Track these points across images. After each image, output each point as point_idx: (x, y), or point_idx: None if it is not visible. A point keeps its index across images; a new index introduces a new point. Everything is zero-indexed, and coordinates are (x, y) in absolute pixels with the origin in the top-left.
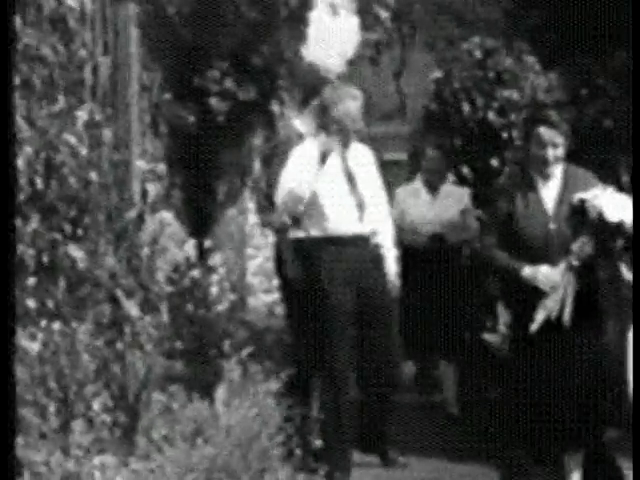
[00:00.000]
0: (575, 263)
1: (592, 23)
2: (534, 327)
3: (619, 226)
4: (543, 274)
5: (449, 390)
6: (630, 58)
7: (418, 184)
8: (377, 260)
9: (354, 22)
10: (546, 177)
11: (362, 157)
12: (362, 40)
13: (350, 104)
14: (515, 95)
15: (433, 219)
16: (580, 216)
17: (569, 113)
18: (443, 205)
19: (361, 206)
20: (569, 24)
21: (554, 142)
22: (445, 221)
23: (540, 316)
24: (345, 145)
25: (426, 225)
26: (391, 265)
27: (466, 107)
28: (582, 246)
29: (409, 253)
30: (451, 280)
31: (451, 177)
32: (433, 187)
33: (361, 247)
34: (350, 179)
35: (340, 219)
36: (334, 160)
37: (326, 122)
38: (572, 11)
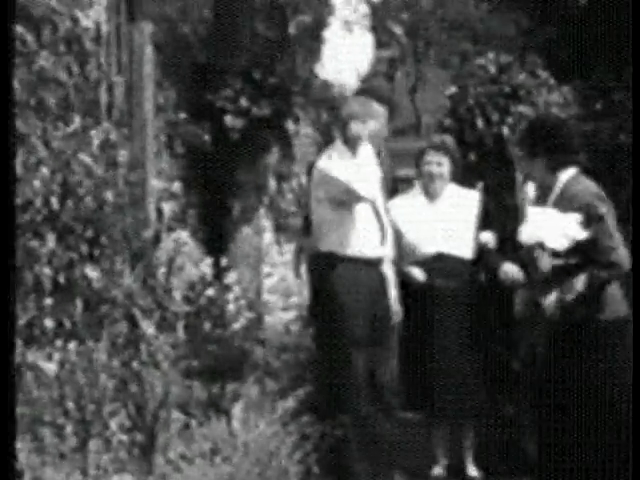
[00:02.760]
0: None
1: (605, 38)
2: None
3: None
4: (504, 270)
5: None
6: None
7: (417, 191)
8: (384, 284)
9: (368, 39)
10: None
11: (376, 174)
12: (376, 57)
13: (372, 121)
14: (529, 110)
15: (434, 232)
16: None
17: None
18: (447, 212)
19: (383, 228)
20: (582, 39)
21: None
22: (451, 235)
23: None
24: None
25: (426, 242)
26: (392, 290)
27: (481, 123)
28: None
29: (410, 288)
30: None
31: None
32: (433, 195)
33: (375, 269)
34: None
35: (364, 241)
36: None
37: (348, 137)
38: (585, 26)
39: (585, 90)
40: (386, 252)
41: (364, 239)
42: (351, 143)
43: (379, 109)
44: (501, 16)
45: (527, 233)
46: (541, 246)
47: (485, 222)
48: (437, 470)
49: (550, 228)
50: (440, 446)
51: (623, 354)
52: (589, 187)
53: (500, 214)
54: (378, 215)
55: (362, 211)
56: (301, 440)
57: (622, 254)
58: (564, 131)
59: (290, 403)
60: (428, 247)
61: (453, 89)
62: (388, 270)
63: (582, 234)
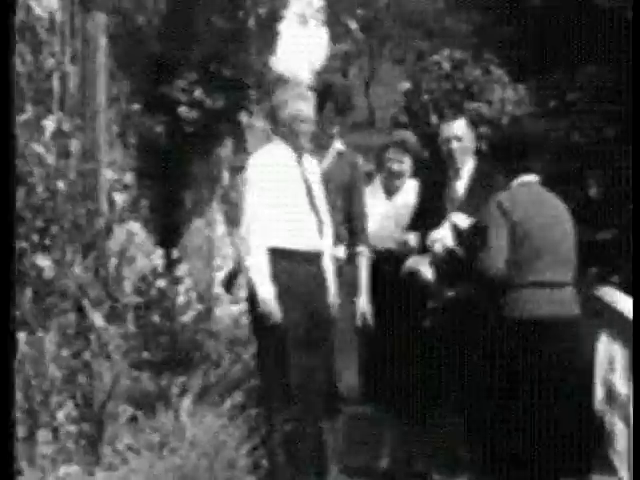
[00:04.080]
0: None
1: (562, 38)
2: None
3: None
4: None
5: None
6: (600, 72)
7: (376, 185)
8: (323, 278)
9: (323, 33)
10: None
11: (314, 168)
12: (331, 51)
13: (300, 104)
14: (484, 108)
15: (389, 228)
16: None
17: (540, 126)
18: (402, 208)
19: (320, 220)
20: (538, 38)
21: None
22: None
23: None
24: (299, 151)
25: (380, 238)
26: (332, 285)
27: (434, 119)
28: None
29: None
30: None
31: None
32: (391, 191)
33: (315, 264)
34: (309, 191)
35: (301, 233)
36: (292, 169)
37: (277, 124)
38: (541, 26)
39: (539, 89)
40: (325, 246)
41: (301, 232)
42: (287, 130)
43: (307, 92)
44: (456, 14)
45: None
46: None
47: (418, 220)
48: (382, 463)
49: (435, 234)
50: (387, 440)
51: (548, 350)
52: (500, 197)
53: (430, 211)
54: (315, 207)
55: (298, 204)
56: (249, 433)
57: (487, 264)
58: (519, 139)
59: (238, 396)
60: (381, 242)
61: (407, 85)
62: (328, 264)
63: (451, 242)
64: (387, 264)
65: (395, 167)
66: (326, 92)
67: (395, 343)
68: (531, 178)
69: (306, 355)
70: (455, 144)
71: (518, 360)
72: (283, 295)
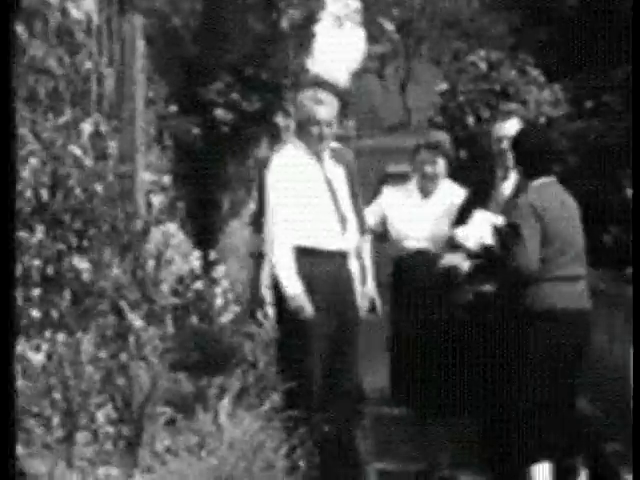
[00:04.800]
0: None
1: (597, 38)
2: None
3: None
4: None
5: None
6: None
7: (412, 186)
8: (349, 277)
9: (359, 34)
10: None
11: (336, 168)
12: (367, 52)
13: (320, 109)
14: (520, 108)
15: (422, 229)
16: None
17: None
18: (438, 209)
19: (343, 220)
20: (574, 39)
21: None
22: (435, 233)
23: None
24: (319, 154)
25: (412, 238)
26: (358, 284)
27: (471, 120)
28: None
29: (398, 273)
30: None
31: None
32: (427, 192)
33: (340, 263)
34: (331, 190)
35: (326, 233)
36: (314, 169)
37: (299, 127)
38: (577, 27)
39: (575, 89)
40: (349, 245)
41: (325, 231)
42: (304, 132)
43: (329, 97)
44: (491, 14)
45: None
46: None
47: (463, 218)
48: (418, 467)
49: (469, 230)
50: (424, 443)
51: (556, 338)
52: (530, 198)
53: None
54: (338, 206)
55: (321, 203)
56: (287, 435)
57: (523, 262)
58: (542, 141)
59: (277, 398)
60: (412, 242)
61: (444, 86)
62: (355, 264)
63: (490, 240)
64: (421, 264)
65: (429, 169)
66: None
67: (424, 344)
68: (552, 178)
69: (332, 355)
70: (507, 144)
71: (543, 351)
72: (309, 294)
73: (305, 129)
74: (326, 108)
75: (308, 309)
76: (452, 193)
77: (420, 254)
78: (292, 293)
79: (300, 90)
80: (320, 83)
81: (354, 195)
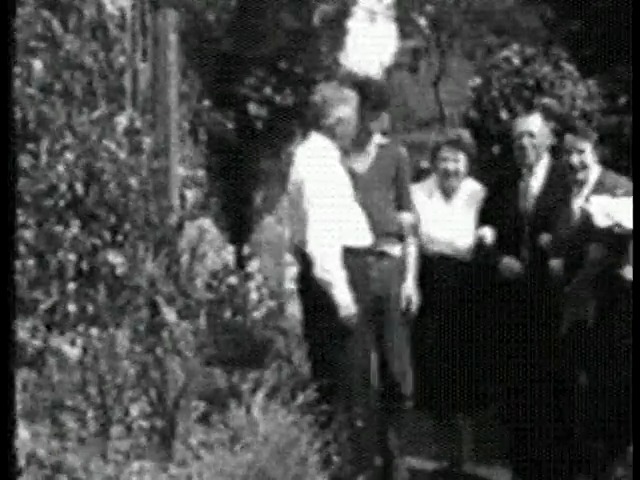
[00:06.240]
0: (592, 271)
1: (629, 32)
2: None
3: (607, 230)
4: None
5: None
6: None
7: (432, 185)
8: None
9: (392, 29)
10: (577, 183)
11: (359, 164)
12: (400, 47)
13: (343, 108)
14: (554, 103)
15: (446, 231)
16: (582, 222)
17: (610, 121)
18: (460, 210)
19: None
20: (608, 33)
21: (579, 148)
22: (457, 240)
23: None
24: (346, 151)
25: (435, 241)
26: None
27: (504, 115)
28: (594, 252)
29: (427, 270)
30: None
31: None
32: (448, 192)
33: (384, 259)
34: (356, 188)
35: (361, 232)
36: (338, 167)
37: (320, 126)
38: (610, 20)
39: (609, 84)
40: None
41: (349, 228)
42: (326, 129)
43: (350, 94)
44: (525, 8)
45: (602, 217)
46: (619, 225)
47: (486, 216)
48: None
49: (617, 212)
50: (442, 440)
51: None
52: (619, 179)
53: (502, 209)
54: (364, 202)
55: (346, 201)
56: (321, 429)
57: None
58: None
59: (310, 392)
60: (436, 246)
61: (477, 81)
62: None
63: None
64: (440, 270)
65: (450, 166)
66: (362, 89)
67: (454, 347)
68: None
69: (367, 353)
70: (527, 140)
71: None
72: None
73: (331, 129)
74: (349, 107)
75: (355, 319)
76: (475, 191)
77: (445, 259)
78: (343, 303)
79: (318, 85)
80: (343, 78)
81: (406, 189)
